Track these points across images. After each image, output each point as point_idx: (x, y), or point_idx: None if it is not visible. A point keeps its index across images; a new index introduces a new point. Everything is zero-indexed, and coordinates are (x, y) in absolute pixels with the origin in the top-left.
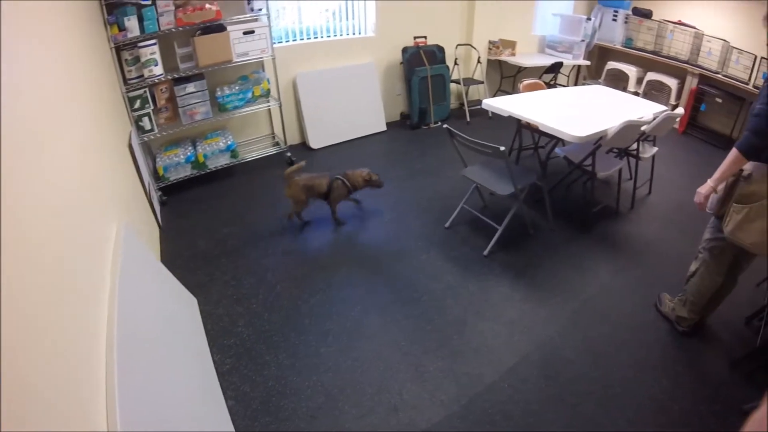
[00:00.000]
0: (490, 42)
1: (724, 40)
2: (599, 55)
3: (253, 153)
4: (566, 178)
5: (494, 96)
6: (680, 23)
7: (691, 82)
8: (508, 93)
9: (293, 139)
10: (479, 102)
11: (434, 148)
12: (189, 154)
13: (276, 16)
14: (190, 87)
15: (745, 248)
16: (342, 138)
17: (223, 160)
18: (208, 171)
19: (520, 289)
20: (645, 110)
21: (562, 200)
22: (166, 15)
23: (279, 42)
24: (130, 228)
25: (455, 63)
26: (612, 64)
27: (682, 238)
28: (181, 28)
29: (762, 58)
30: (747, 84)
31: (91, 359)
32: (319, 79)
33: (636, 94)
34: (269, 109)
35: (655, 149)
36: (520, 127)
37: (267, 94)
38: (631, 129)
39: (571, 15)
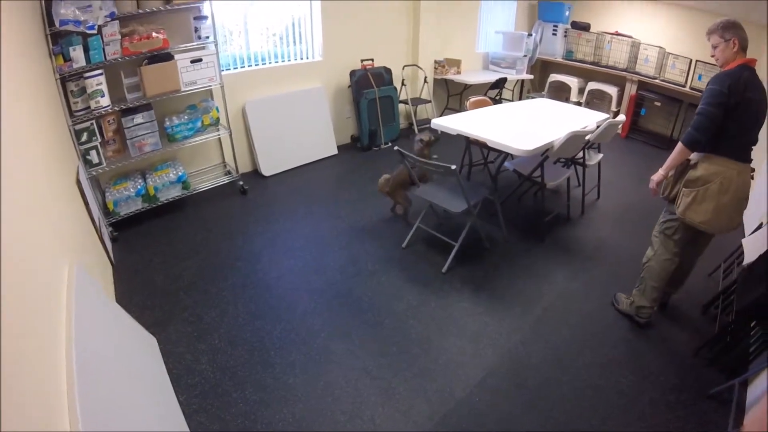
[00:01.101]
0: (435, 61)
1: (660, 47)
2: (541, 68)
3: (205, 183)
4: (517, 190)
5: (442, 114)
6: (617, 34)
7: (631, 89)
8: (455, 110)
9: (245, 166)
10: (428, 121)
11: (386, 169)
12: (139, 187)
13: (223, 42)
14: (138, 118)
15: (696, 226)
16: (294, 163)
17: (175, 192)
18: (160, 204)
19: (482, 303)
20: (588, 119)
21: (515, 212)
22: (112, 44)
23: (227, 69)
24: (83, 269)
25: (402, 84)
26: (554, 77)
27: (631, 238)
28: (127, 58)
29: (697, 60)
30: (684, 86)
31: (52, 414)
32: (269, 105)
33: (578, 104)
34: (219, 138)
35: (600, 156)
36: (468, 143)
37: (216, 122)
38: (575, 139)
39: (513, 32)
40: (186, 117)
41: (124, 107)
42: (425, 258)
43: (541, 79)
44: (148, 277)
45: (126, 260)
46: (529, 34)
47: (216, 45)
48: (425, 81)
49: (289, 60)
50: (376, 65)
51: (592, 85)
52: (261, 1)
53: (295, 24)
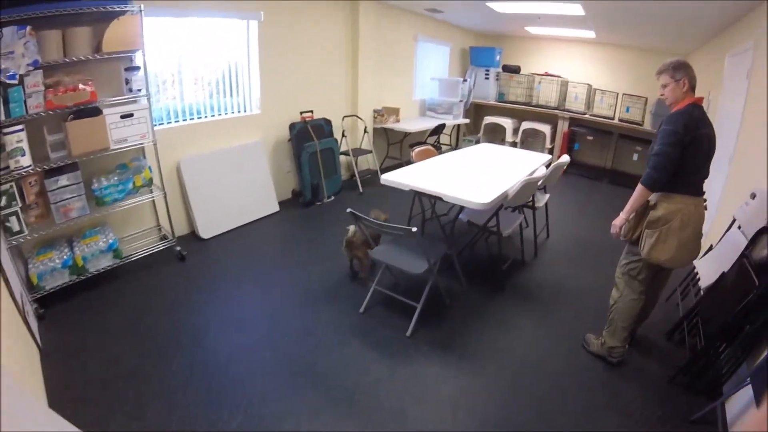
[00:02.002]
0: (374, 111)
1: (588, 84)
2: (475, 111)
3: (138, 250)
4: (472, 240)
5: (383, 163)
6: (547, 74)
7: (563, 126)
8: (396, 159)
9: (181, 229)
10: (369, 171)
11: (332, 225)
12: (66, 257)
13: (156, 92)
14: (63, 179)
15: (661, 264)
16: (234, 224)
17: (106, 262)
18: (90, 275)
19: (452, 364)
20: (532, 162)
21: (470, 261)
22: (34, 96)
23: (160, 123)
24: (6, 369)
25: (343, 135)
26: (489, 119)
27: (587, 274)
28: (51, 112)
29: (623, 94)
30: (613, 119)
31: None
32: (205, 162)
33: (514, 143)
34: (153, 200)
35: (548, 196)
36: (416, 194)
37: (149, 183)
38: (529, 186)
39: (448, 78)
40: (116, 178)
41: (47, 167)
42: (386, 322)
43: (476, 122)
44: (82, 363)
45: (55, 343)
46: (464, 80)
47: (149, 99)
48: (365, 131)
49: (226, 113)
50: (315, 117)
51: (526, 125)
52: (195, 49)
53: (232, 75)
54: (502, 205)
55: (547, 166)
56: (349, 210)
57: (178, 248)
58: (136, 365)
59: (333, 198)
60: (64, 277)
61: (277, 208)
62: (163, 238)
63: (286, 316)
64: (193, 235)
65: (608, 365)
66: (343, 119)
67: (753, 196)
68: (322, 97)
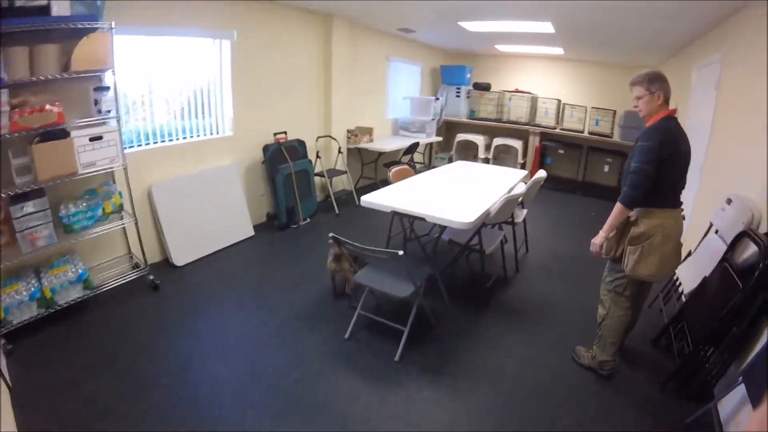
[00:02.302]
0: (348, 131)
1: (558, 99)
2: (447, 129)
3: (110, 280)
4: (453, 259)
5: (357, 183)
6: (517, 91)
7: (534, 141)
8: (371, 179)
9: (154, 256)
10: (344, 192)
11: (309, 248)
12: (33, 289)
13: (126, 113)
14: (29, 206)
15: (644, 279)
16: (209, 249)
17: (75, 293)
18: (59, 308)
19: (443, 387)
20: (509, 178)
21: (452, 280)
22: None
23: (130, 146)
24: None
25: (317, 156)
26: (461, 136)
27: (569, 286)
28: (16, 134)
29: (592, 107)
30: (582, 132)
31: None
32: (177, 186)
33: (486, 159)
34: (124, 227)
35: (525, 211)
36: (395, 215)
37: (120, 209)
38: (510, 203)
39: (420, 97)
40: (84, 204)
41: (11, 193)
42: (373, 347)
43: (448, 140)
44: (55, 403)
45: (26, 381)
46: (437, 98)
47: (119, 120)
48: (339, 151)
49: (198, 135)
50: (289, 138)
51: (498, 141)
52: (167, 69)
53: (204, 95)
54: (484, 223)
55: (525, 182)
56: (331, 235)
57: (151, 277)
58: (112, 406)
59: (309, 220)
60: (32, 310)
61: (252, 232)
62: (135, 266)
63: (269, 345)
64: (166, 263)
65: (599, 377)
66: (317, 140)
67: (729, 201)
68: (296, 118)
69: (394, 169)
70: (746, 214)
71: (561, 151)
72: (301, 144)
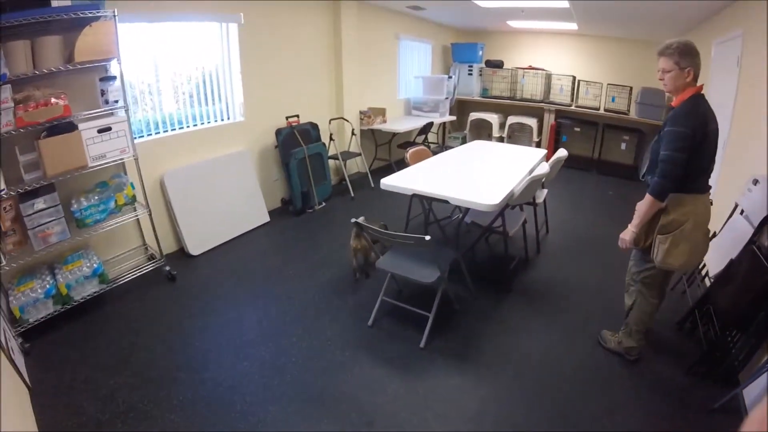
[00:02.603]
0: (360, 112)
1: (573, 76)
2: (459, 108)
3: (125, 273)
4: (476, 241)
5: (371, 164)
6: (531, 68)
7: (549, 118)
8: (385, 161)
9: (169, 247)
10: (358, 174)
11: (326, 232)
12: (48, 286)
13: (134, 103)
14: (40, 203)
15: (675, 270)
16: (224, 237)
17: (91, 288)
18: (76, 304)
19: (471, 374)
20: (529, 157)
21: (472, 262)
22: (4, 114)
23: (140, 137)
24: None
25: (331, 138)
26: (474, 115)
27: (590, 266)
28: (22, 130)
29: (608, 84)
30: (598, 110)
31: None
32: (190, 175)
33: (501, 138)
34: (138, 219)
35: (546, 191)
36: (412, 197)
37: (132, 200)
38: (534, 184)
39: (433, 75)
40: (96, 197)
41: (21, 190)
42: (396, 335)
43: (461, 119)
44: (75, 403)
45: (44, 380)
46: (450, 77)
47: (127, 110)
48: (353, 133)
49: (208, 122)
50: (302, 121)
51: (512, 119)
52: (173, 56)
53: (213, 81)
54: (507, 205)
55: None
56: (353, 220)
57: (167, 268)
58: (132, 403)
59: (324, 204)
60: (48, 307)
61: (267, 219)
62: (151, 258)
63: (290, 335)
64: (181, 253)
65: (625, 361)
66: (330, 122)
67: (755, 182)
68: (308, 101)
69: (411, 150)
70: None
71: (577, 129)
72: (314, 127)
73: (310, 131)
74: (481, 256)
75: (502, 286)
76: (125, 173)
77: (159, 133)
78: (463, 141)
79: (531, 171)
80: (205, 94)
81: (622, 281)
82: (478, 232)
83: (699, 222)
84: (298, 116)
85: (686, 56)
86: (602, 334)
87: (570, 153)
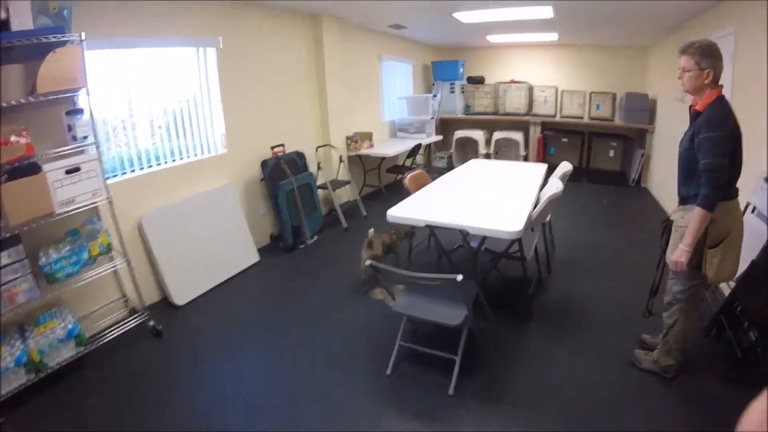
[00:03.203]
0: (347, 137)
1: (555, 87)
2: (443, 127)
3: (105, 331)
4: (489, 269)
5: (361, 191)
6: (513, 81)
7: (535, 131)
8: (374, 187)
9: (151, 297)
10: (349, 203)
11: (323, 269)
12: (18, 353)
13: (106, 139)
14: (4, 257)
15: (726, 281)
16: (212, 283)
17: (68, 352)
18: (51, 371)
19: (509, 418)
20: (533, 174)
21: (485, 291)
22: None
23: (113, 176)
24: None
25: (318, 167)
26: (459, 133)
27: (603, 279)
28: None
29: (591, 93)
30: (582, 118)
31: None
32: (171, 216)
33: (487, 155)
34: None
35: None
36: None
37: (108, 249)
38: (551, 204)
39: (418, 95)
40: (67, 248)
41: None
42: (420, 382)
43: (445, 138)
44: None
45: None
46: (434, 96)
47: (98, 147)
48: (341, 160)
49: (188, 156)
50: (287, 151)
51: (498, 135)
52: (147, 85)
53: (191, 112)
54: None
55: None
56: (368, 263)
57: (152, 323)
58: None
59: (316, 238)
60: (21, 377)
61: (257, 258)
62: (132, 311)
63: (302, 391)
64: (166, 303)
65: (660, 379)
66: (316, 150)
67: (767, 179)
68: (292, 129)
69: (410, 175)
70: None
71: (564, 140)
72: (301, 156)
73: (297, 161)
74: (493, 283)
75: (521, 313)
76: (99, 218)
77: (135, 171)
78: (449, 160)
79: (541, 189)
80: (184, 126)
81: (636, 289)
82: (496, 259)
83: (739, 228)
84: (283, 145)
85: (707, 57)
86: (635, 354)
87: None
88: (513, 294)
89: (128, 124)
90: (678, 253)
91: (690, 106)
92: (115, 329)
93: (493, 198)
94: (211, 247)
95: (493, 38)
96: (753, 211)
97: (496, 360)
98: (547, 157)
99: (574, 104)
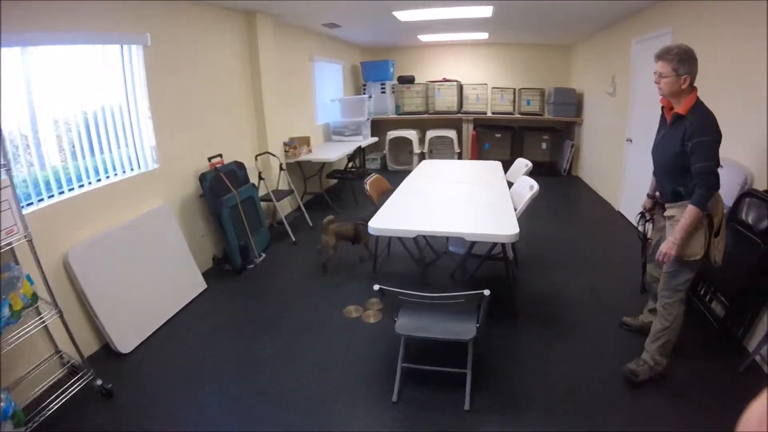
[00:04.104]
0: (285, 144)
1: (486, 84)
2: (375, 128)
3: (44, 401)
4: (475, 272)
5: (302, 198)
6: (445, 80)
7: (468, 128)
8: (316, 194)
9: (90, 346)
10: (291, 213)
11: (282, 292)
12: None
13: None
14: None
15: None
16: (158, 321)
17: None
18: None
19: (535, 424)
20: (493, 171)
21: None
22: None
23: (29, 204)
24: None
25: (260, 177)
26: (392, 133)
27: (566, 270)
28: None
29: (521, 89)
30: (513, 114)
31: None
32: (101, 247)
33: (422, 154)
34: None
35: None
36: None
37: (34, 301)
38: (531, 203)
39: (352, 97)
40: None
41: None
42: (430, 404)
43: (379, 139)
44: None
45: None
46: (369, 96)
47: (9, 171)
48: (281, 168)
49: (115, 175)
50: (226, 161)
51: (431, 133)
52: (58, 92)
53: (117, 122)
54: None
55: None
56: (377, 287)
57: (99, 382)
58: None
59: (264, 256)
60: None
61: (204, 285)
62: (73, 370)
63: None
64: (108, 351)
65: (661, 383)
66: (256, 159)
67: (720, 166)
68: (229, 137)
69: (370, 180)
70: (740, 176)
71: (498, 135)
72: (240, 166)
73: (237, 172)
74: (475, 286)
75: (508, 313)
76: (16, 262)
77: (53, 196)
78: (383, 162)
79: (510, 187)
80: (108, 139)
81: (604, 274)
82: (481, 261)
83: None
84: (221, 156)
85: (685, 63)
86: (629, 368)
87: (495, 158)
88: (496, 294)
89: (39, 138)
90: (667, 245)
91: (663, 108)
92: (57, 397)
93: (475, 201)
94: (152, 280)
95: (424, 37)
96: None
97: (500, 365)
98: (482, 153)
99: (505, 100)
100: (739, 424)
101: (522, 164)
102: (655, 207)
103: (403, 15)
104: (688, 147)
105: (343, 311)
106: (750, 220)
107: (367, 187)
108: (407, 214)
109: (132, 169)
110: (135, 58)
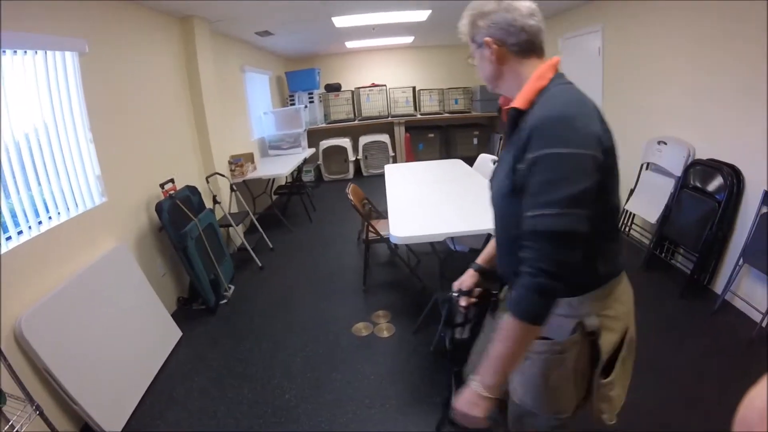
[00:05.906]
0: (230, 163)
1: (413, 87)
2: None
3: None
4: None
5: (257, 220)
6: (373, 85)
7: (401, 131)
8: (266, 213)
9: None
10: (248, 237)
11: (270, 324)
12: None
13: None
14: None
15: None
16: (142, 386)
17: None
18: None
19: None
20: (462, 170)
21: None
22: None
23: None
24: None
25: (215, 201)
26: (325, 143)
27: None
28: None
29: (448, 89)
30: (442, 114)
31: None
32: (58, 308)
33: (357, 161)
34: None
35: None
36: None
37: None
38: None
39: (287, 108)
40: None
41: None
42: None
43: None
44: None
45: None
46: (305, 106)
47: None
48: (232, 189)
49: (58, 216)
50: (178, 187)
51: (364, 139)
52: None
53: (52, 147)
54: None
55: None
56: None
57: None
58: None
59: (232, 288)
60: None
61: (179, 333)
62: None
63: None
64: (87, 430)
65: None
66: (207, 181)
67: (661, 143)
68: (175, 158)
69: (350, 190)
70: (685, 150)
71: (431, 135)
72: (194, 191)
73: (191, 198)
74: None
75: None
76: None
77: None
78: (318, 172)
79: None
80: (46, 170)
81: None
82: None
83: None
84: (173, 181)
85: (479, 22)
86: None
87: (430, 158)
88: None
89: None
90: (468, 397)
91: (501, 109)
92: None
93: (473, 198)
94: (124, 337)
95: (351, 44)
96: (647, 168)
97: None
98: (418, 153)
99: (434, 101)
100: (738, 411)
101: (487, 159)
102: (481, 285)
103: (341, 21)
104: (519, 170)
105: (351, 331)
106: (699, 184)
107: (351, 196)
108: (423, 219)
109: (77, 207)
110: (70, 68)
